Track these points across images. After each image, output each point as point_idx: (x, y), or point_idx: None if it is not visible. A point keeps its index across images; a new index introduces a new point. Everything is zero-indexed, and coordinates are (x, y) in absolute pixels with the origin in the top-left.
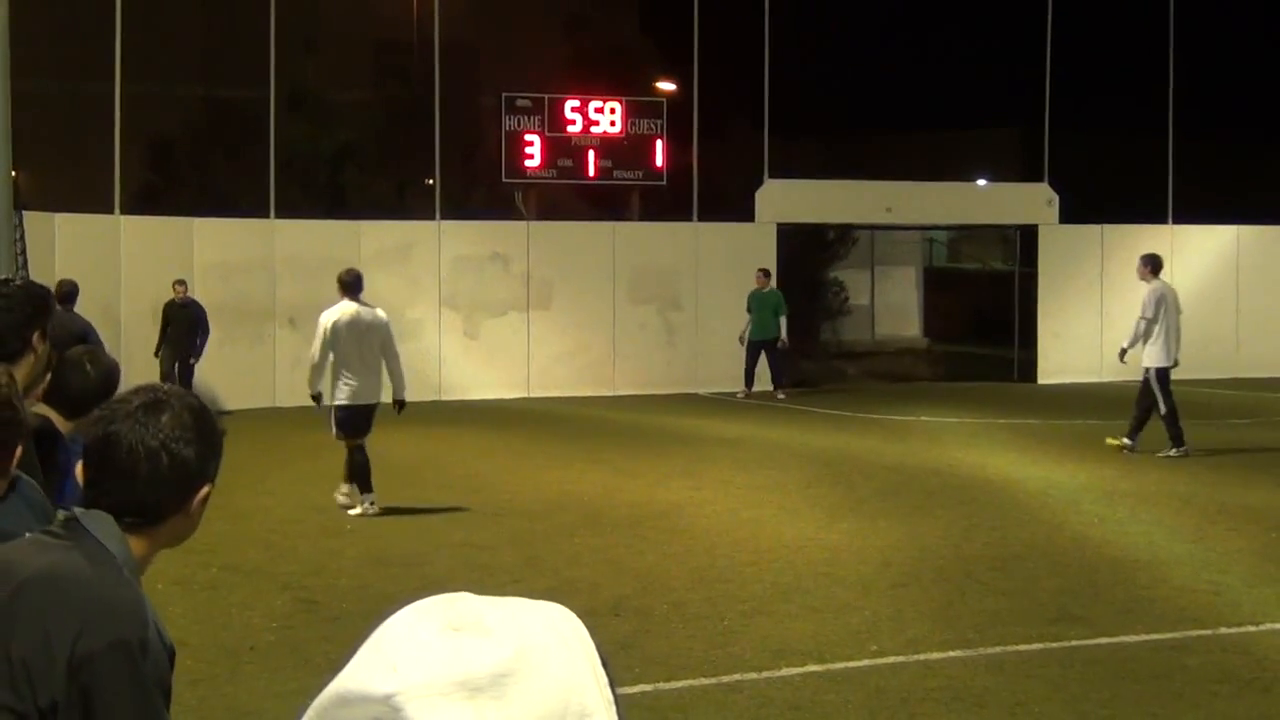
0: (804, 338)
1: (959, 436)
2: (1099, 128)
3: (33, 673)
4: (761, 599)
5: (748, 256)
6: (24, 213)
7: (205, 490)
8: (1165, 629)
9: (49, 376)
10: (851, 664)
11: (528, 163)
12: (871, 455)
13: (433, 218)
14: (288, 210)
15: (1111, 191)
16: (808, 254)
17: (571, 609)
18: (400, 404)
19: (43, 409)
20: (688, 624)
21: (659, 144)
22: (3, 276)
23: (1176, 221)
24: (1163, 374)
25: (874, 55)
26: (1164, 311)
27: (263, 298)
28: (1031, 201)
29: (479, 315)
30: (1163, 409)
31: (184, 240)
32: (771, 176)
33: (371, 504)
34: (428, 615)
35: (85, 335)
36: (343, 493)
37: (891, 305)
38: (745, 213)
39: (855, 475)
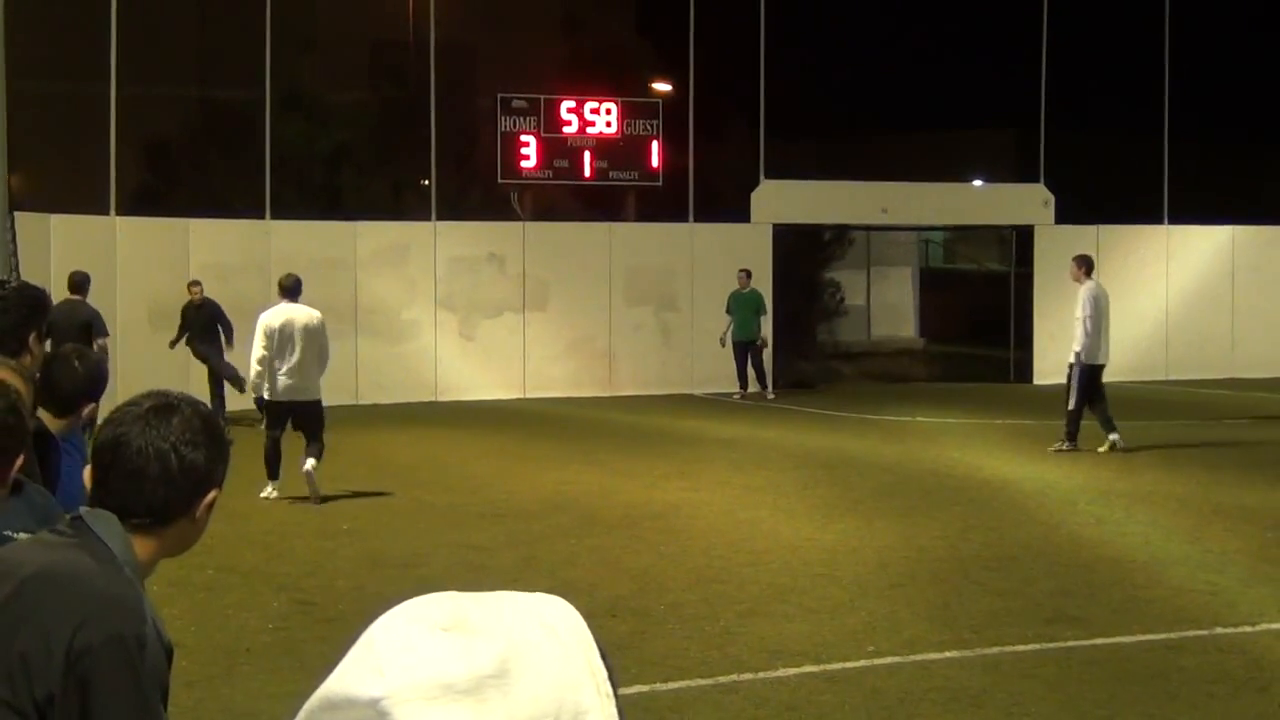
0: (800, 338)
1: (955, 437)
2: (1095, 128)
3: (31, 666)
4: (758, 600)
5: (744, 257)
6: (17, 214)
7: (212, 495)
8: (1162, 629)
9: (37, 375)
10: (848, 665)
11: (523, 163)
12: (868, 456)
13: (429, 218)
14: (283, 211)
15: (1107, 192)
16: (803, 254)
17: None
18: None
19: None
20: (684, 625)
21: (655, 145)
22: (4, 276)
23: (1172, 222)
24: (1094, 370)
25: (870, 56)
26: (1099, 311)
27: (258, 298)
28: (1027, 202)
29: (475, 316)
30: (1072, 403)
31: (180, 241)
32: (767, 177)
33: (275, 491)
34: (416, 616)
35: (90, 324)
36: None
37: (887, 306)
38: (741, 213)
39: (852, 476)
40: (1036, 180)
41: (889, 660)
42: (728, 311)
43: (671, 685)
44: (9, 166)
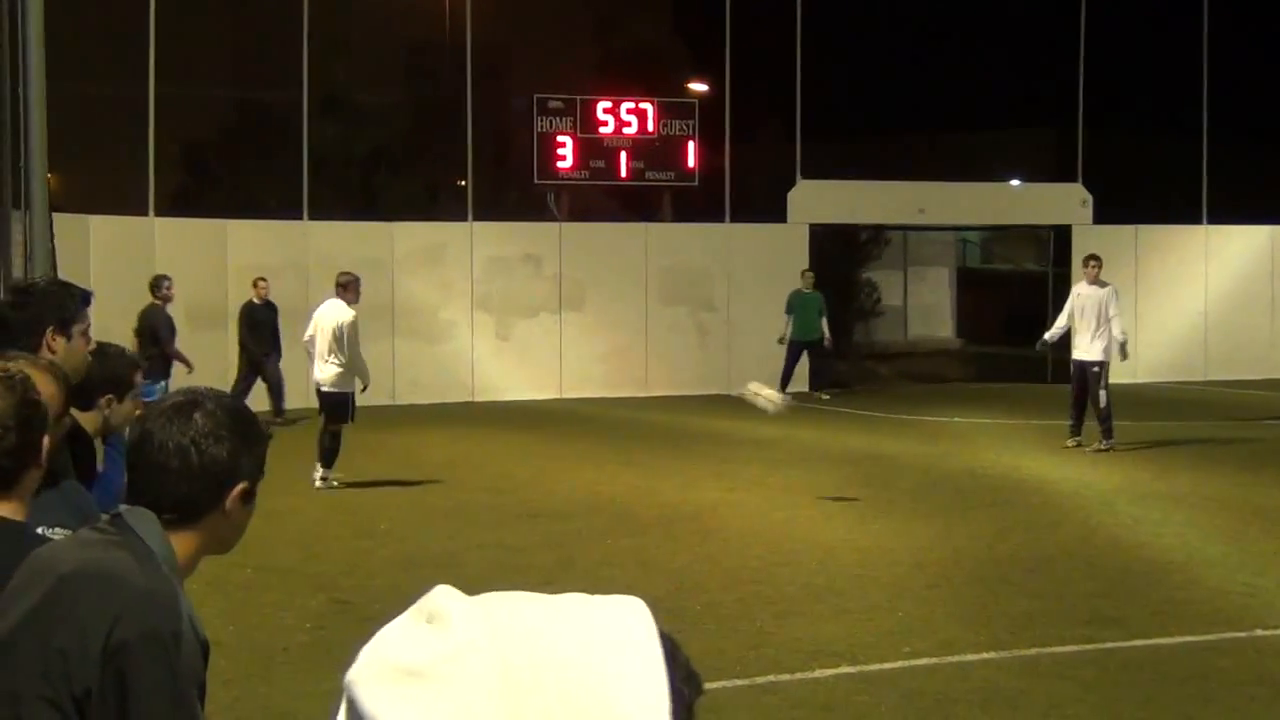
0: (837, 338)
1: (992, 438)
2: (1133, 128)
3: (69, 662)
4: (794, 600)
5: (780, 257)
6: (55, 214)
7: (240, 488)
8: (1200, 631)
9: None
10: (885, 665)
11: (560, 164)
12: (904, 456)
13: (465, 219)
14: (320, 212)
15: (1146, 192)
16: (840, 255)
17: None
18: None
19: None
20: (721, 625)
21: (691, 145)
22: (41, 276)
23: (1211, 222)
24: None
25: (907, 56)
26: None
27: (296, 299)
28: (1065, 202)
29: (511, 317)
30: (1103, 401)
31: (218, 242)
32: (804, 177)
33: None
34: (413, 608)
35: (155, 329)
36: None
37: (924, 306)
38: (778, 214)
39: (888, 476)
40: (1074, 180)
41: (925, 661)
42: (787, 311)
43: (709, 685)
44: (48, 167)
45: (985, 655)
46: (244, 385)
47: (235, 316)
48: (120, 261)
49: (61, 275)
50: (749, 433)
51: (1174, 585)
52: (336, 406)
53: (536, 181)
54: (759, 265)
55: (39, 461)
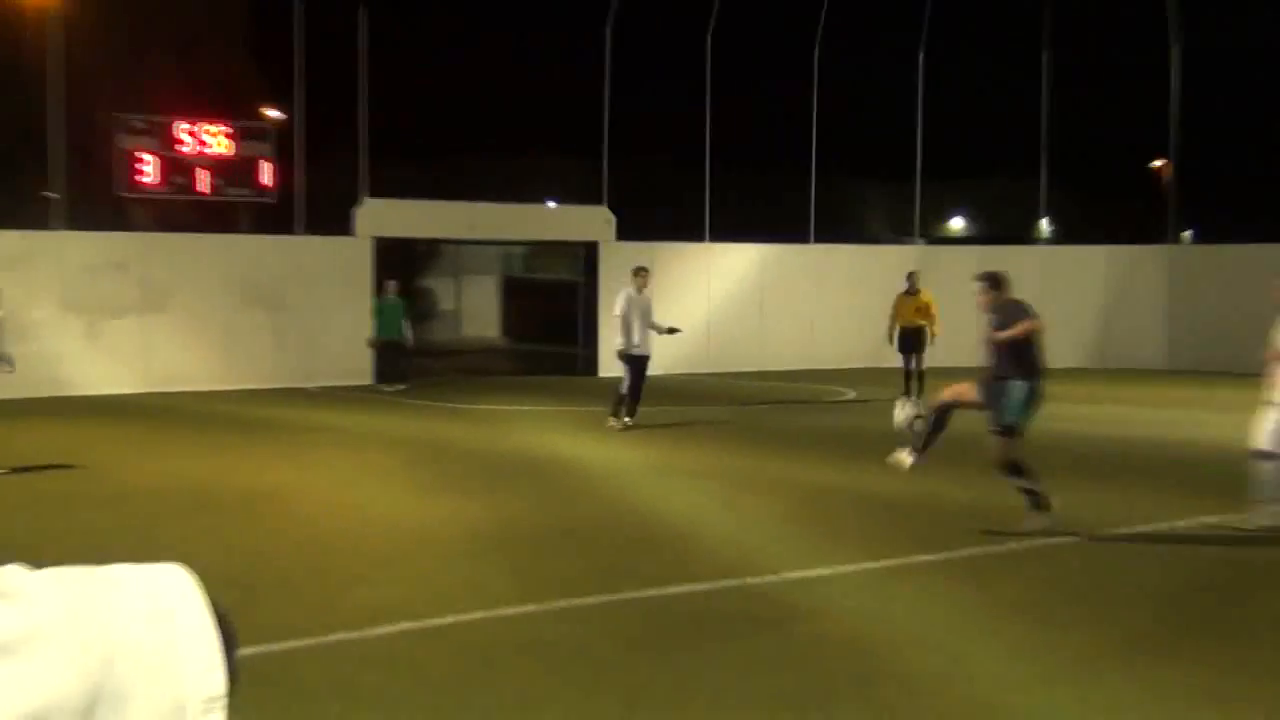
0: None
1: (534, 422)
2: (649, 160)
3: None
4: (360, 568)
5: (348, 267)
6: None
7: None
8: (702, 580)
9: None
10: (440, 621)
11: (142, 179)
12: (459, 440)
13: (55, 228)
14: None
15: (659, 214)
16: (402, 265)
17: None
18: None
19: None
20: (292, 593)
21: (266, 165)
22: None
23: (713, 240)
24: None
25: (461, 89)
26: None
27: None
28: (593, 221)
29: (101, 317)
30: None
31: None
32: (370, 196)
33: None
34: None
35: None
36: None
37: (475, 310)
38: (346, 227)
39: (445, 457)
40: (601, 203)
41: (475, 615)
42: (373, 316)
43: (280, 645)
44: None
45: (526, 608)
46: None
47: None
48: None
49: None
50: (321, 421)
51: (680, 543)
52: None
53: (121, 195)
54: (329, 273)
55: None
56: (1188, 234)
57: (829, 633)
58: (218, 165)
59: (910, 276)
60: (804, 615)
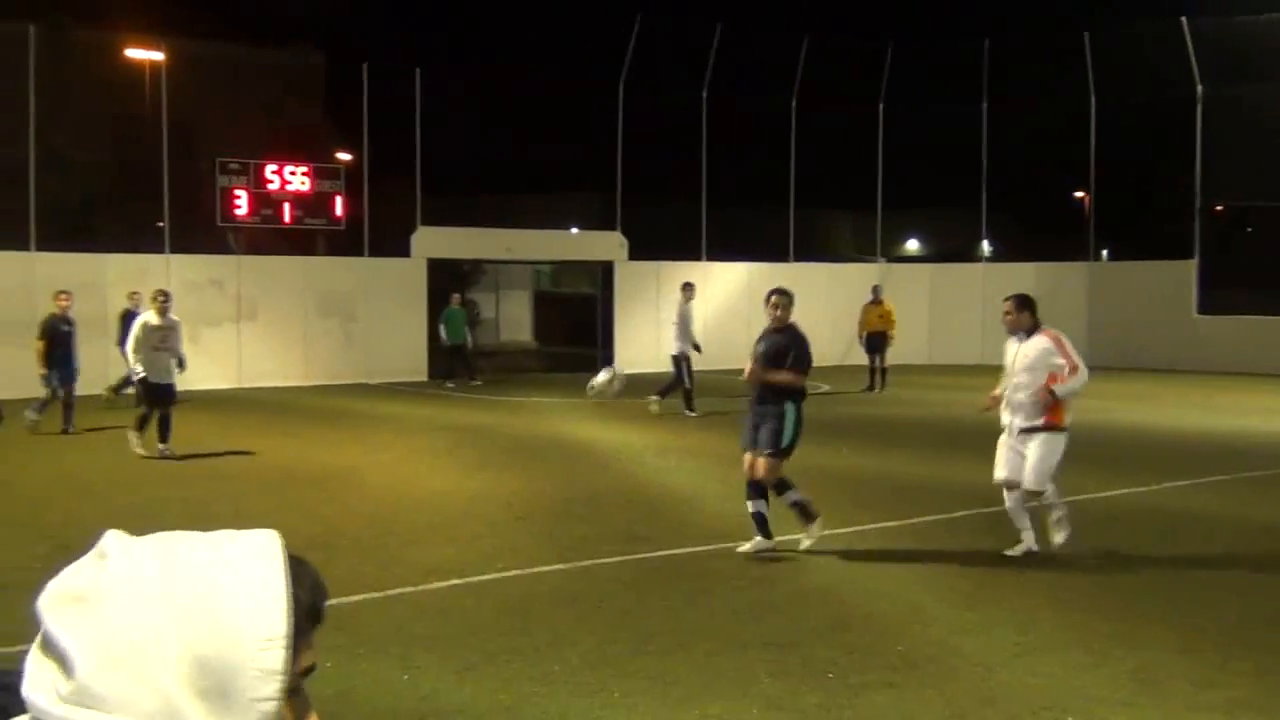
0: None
1: (561, 412)
2: (654, 193)
3: None
4: (417, 532)
5: (406, 283)
6: None
7: None
8: (702, 543)
9: None
10: (484, 578)
11: (236, 211)
12: (498, 426)
13: (163, 251)
14: (44, 244)
15: (665, 238)
16: (450, 281)
17: None
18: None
19: None
20: (361, 554)
21: (339, 199)
22: None
23: (709, 260)
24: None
25: (500, 136)
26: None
27: (23, 312)
28: (608, 245)
29: (200, 325)
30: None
31: None
32: (423, 224)
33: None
34: (94, 550)
35: None
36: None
37: (511, 318)
38: (404, 250)
39: (486, 441)
40: (615, 229)
41: (513, 573)
42: (441, 323)
43: (353, 598)
44: None
45: (555, 567)
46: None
47: None
48: None
49: None
50: (383, 411)
51: (684, 512)
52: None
53: (219, 224)
54: (390, 288)
55: None
56: (1104, 253)
57: (807, 586)
58: (298, 199)
59: (875, 289)
60: (786, 572)
